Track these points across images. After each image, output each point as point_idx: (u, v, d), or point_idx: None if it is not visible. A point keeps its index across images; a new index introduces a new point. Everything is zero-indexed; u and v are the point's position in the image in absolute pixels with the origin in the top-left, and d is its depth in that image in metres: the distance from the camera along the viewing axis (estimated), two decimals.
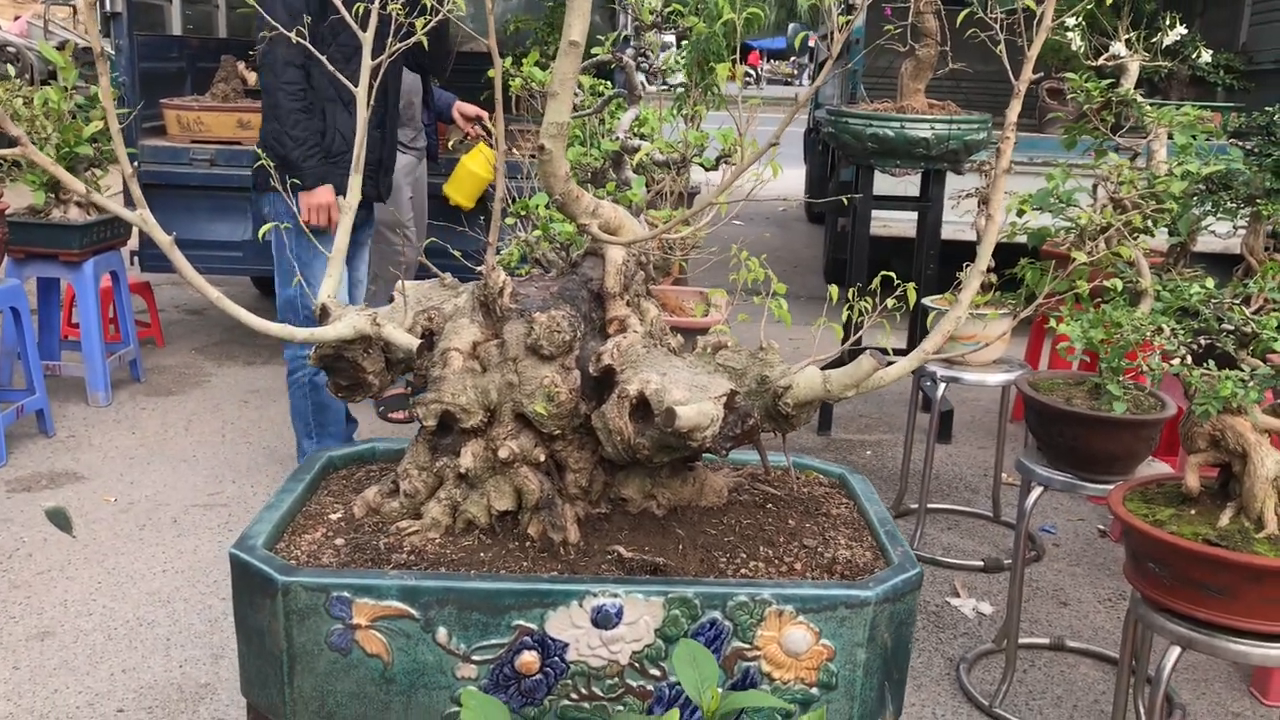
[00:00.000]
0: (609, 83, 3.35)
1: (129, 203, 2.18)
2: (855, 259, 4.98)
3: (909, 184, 5.20)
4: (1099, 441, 2.75)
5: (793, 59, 35.83)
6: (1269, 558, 2.01)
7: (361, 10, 2.08)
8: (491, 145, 5.11)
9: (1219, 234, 3.40)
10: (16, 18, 11.89)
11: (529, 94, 3.00)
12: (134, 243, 5.84)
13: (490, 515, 1.94)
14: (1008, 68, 1.82)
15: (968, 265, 1.89)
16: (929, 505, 4.18)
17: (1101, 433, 2.73)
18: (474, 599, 1.73)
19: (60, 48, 5.16)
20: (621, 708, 1.78)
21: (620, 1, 5.15)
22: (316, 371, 3.88)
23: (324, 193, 3.70)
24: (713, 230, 2.34)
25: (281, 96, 3.67)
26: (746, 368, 1.93)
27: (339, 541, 1.94)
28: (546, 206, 2.40)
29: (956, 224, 5.38)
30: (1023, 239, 3.39)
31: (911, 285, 2.00)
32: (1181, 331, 2.29)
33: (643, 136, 2.67)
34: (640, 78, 2.50)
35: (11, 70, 5.00)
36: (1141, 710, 2.81)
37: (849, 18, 1.79)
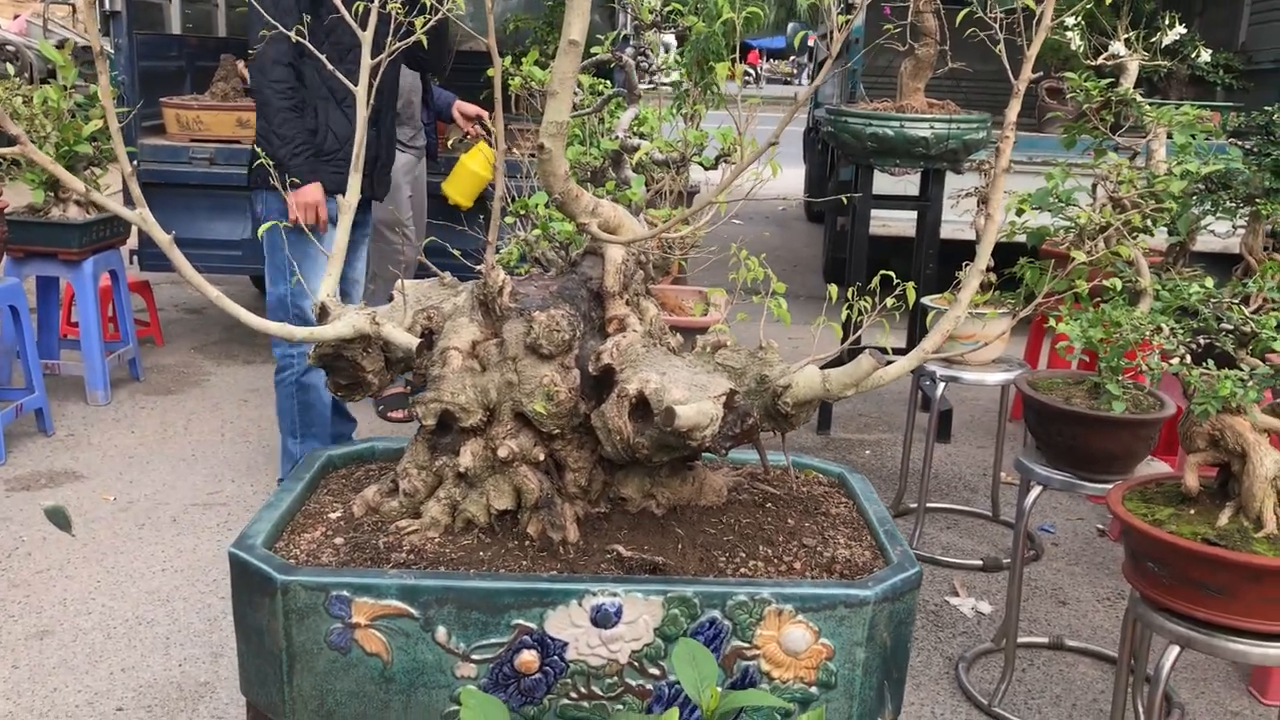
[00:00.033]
0: (608, 82, 3.35)
1: (128, 201, 2.18)
2: (854, 258, 4.98)
3: (908, 183, 5.20)
4: (1098, 441, 2.75)
5: (792, 58, 35.84)
6: (1268, 557, 2.01)
7: (361, 9, 2.07)
8: (491, 144, 5.11)
9: (1218, 233, 3.40)
10: (16, 16, 11.88)
11: (528, 93, 3.01)
12: (133, 241, 5.84)
13: (490, 514, 1.94)
14: (1007, 67, 1.82)
15: (967, 264, 1.89)
16: (928, 504, 4.18)
17: (1100, 432, 2.73)
18: (473, 598, 1.73)
19: (60, 46, 5.17)
20: (621, 707, 1.78)
21: (620, 1, 5.15)
22: (304, 372, 3.88)
23: (312, 191, 3.70)
24: (712, 229, 2.34)
25: (269, 94, 3.67)
26: (746, 367, 1.93)
27: (338, 540, 1.94)
28: (546, 205, 2.40)
29: (956, 223, 5.38)
30: (1022, 238, 3.39)
31: (911, 284, 2.00)
32: (1181, 331, 2.29)
33: (642, 135, 2.67)
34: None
35: (11, 69, 5.00)
36: (1140, 709, 2.81)
37: (848, 17, 1.79)
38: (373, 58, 2.03)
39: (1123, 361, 2.64)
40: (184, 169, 5.78)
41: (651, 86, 2.46)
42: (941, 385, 3.83)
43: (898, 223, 6.44)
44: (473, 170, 5.26)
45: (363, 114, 2.05)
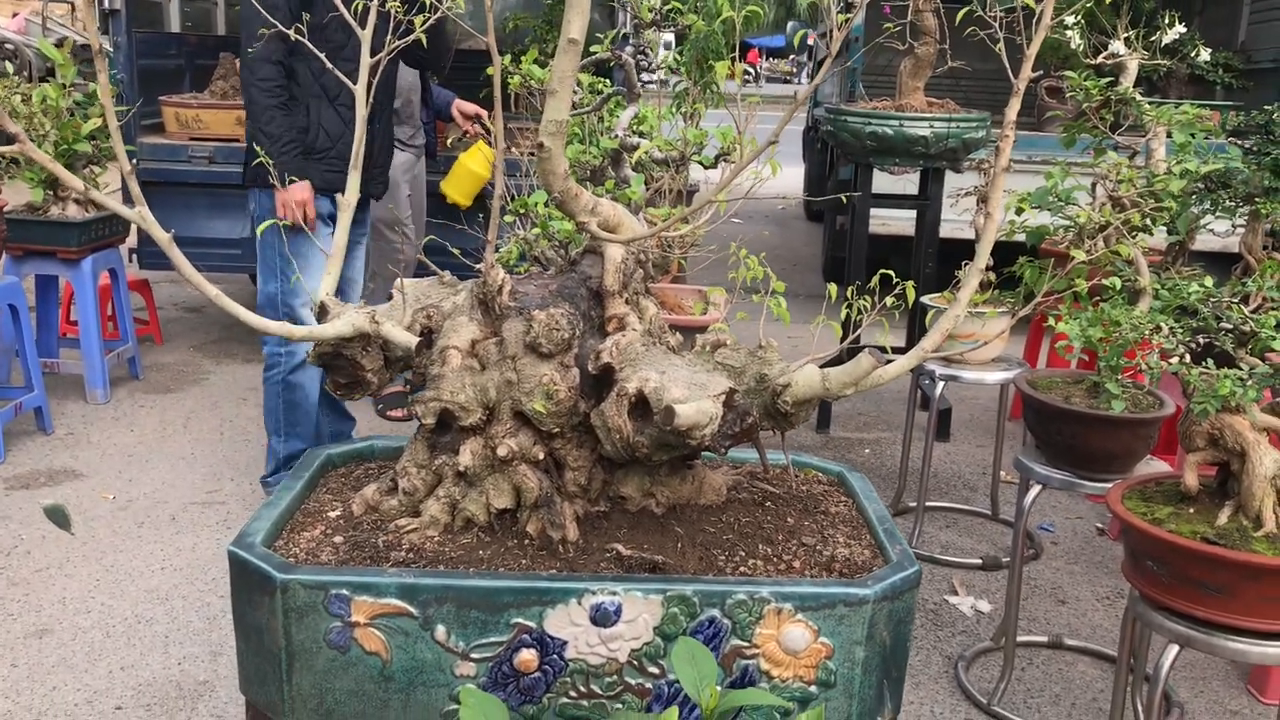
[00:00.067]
0: (608, 80, 3.35)
1: (127, 200, 2.17)
2: (854, 257, 4.98)
3: (908, 182, 5.20)
4: (1097, 440, 2.75)
5: (791, 57, 35.83)
6: (1267, 556, 2.01)
7: (360, 7, 2.07)
8: (490, 143, 5.11)
9: (1218, 232, 3.40)
10: (15, 14, 11.88)
11: (528, 91, 3.00)
12: (132, 240, 5.83)
13: (489, 513, 1.94)
14: (1007, 66, 1.82)
15: (966, 263, 1.89)
16: (927, 503, 4.18)
17: (1100, 431, 2.73)
18: (473, 597, 1.73)
19: (58, 44, 5.16)
20: (620, 705, 1.78)
21: None
22: (291, 370, 3.88)
23: (299, 189, 3.69)
24: (711, 228, 2.34)
25: (256, 93, 3.67)
26: (745, 366, 1.93)
27: (338, 539, 1.94)
28: (545, 204, 2.40)
29: (955, 222, 5.38)
30: (1021, 237, 3.39)
31: (910, 283, 2.00)
32: (1180, 330, 2.29)
33: (641, 134, 2.67)
34: (652, 75, 2.50)
35: (10, 67, 5.00)
36: (1139, 708, 2.82)
37: (848, 15, 1.79)
38: (372, 56, 2.03)
39: (1122, 360, 2.64)
40: (183, 167, 5.78)
41: (651, 83, 2.46)
42: (941, 384, 3.83)
43: (897, 221, 6.44)
44: (471, 169, 5.26)
45: (362, 112, 2.05)
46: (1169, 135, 3.49)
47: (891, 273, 2.08)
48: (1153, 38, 4.00)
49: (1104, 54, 3.91)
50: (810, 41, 13.56)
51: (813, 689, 1.79)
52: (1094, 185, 3.65)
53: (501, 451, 1.90)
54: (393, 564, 1.84)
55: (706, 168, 2.63)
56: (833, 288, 2.11)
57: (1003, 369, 3.83)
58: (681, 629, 1.75)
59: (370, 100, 3.76)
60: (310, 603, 1.74)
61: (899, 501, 4.30)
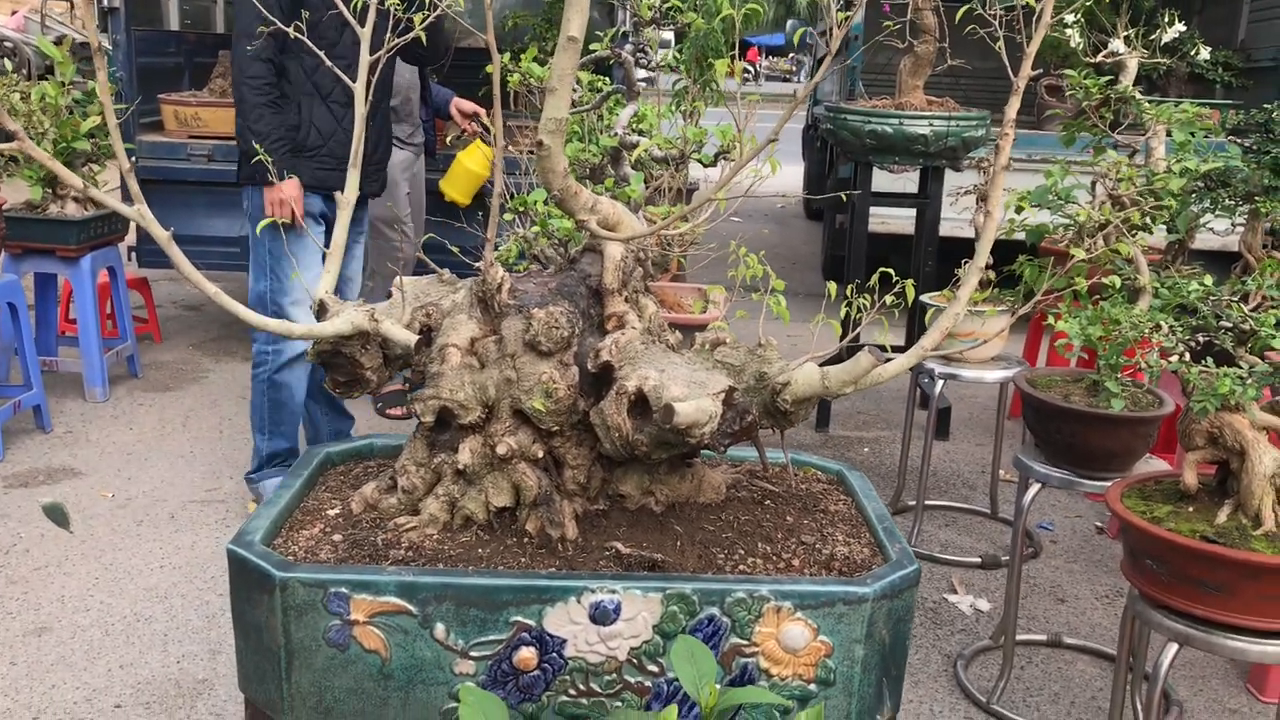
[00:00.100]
0: (607, 79, 3.35)
1: (126, 198, 2.17)
2: (853, 256, 4.98)
3: (907, 180, 5.20)
4: (1097, 438, 2.75)
5: (791, 55, 35.82)
6: (1266, 555, 2.01)
7: (359, 5, 2.07)
8: (488, 142, 5.11)
9: (1217, 231, 3.40)
10: (14, 12, 11.86)
11: (527, 90, 3.00)
12: (131, 238, 5.83)
13: (488, 511, 1.94)
14: (1006, 64, 1.81)
15: (966, 262, 1.89)
16: (927, 502, 4.18)
17: (1099, 430, 2.73)
18: (472, 595, 1.73)
19: (57, 42, 5.16)
20: (619, 704, 1.78)
21: None
22: (277, 369, 3.87)
23: (287, 187, 3.69)
24: (711, 227, 2.34)
25: (245, 90, 3.66)
26: (745, 364, 1.93)
27: (337, 537, 1.94)
28: (545, 202, 2.40)
29: (955, 221, 5.38)
30: (1021, 236, 3.39)
31: (910, 282, 2.00)
32: (1180, 328, 2.29)
33: (641, 132, 2.67)
34: (639, 74, 2.49)
35: (9, 65, 4.99)
36: (1139, 707, 2.82)
37: (847, 14, 1.79)
38: (370, 53, 2.03)
39: (1121, 359, 2.64)
40: (182, 166, 5.77)
41: (643, 80, 2.45)
42: (940, 382, 3.83)
43: (897, 220, 6.44)
44: (469, 168, 5.25)
45: (361, 110, 2.05)
46: (1169, 134, 3.49)
47: (891, 271, 2.08)
48: (1152, 36, 4.00)
49: (1104, 52, 3.91)
50: (810, 41, 13.56)
51: (812, 687, 1.79)
52: (1094, 184, 3.65)
53: (501, 450, 1.90)
54: (392, 562, 1.84)
55: (706, 166, 2.63)
56: (832, 286, 2.11)
57: (1002, 367, 3.83)
58: (681, 627, 1.75)
59: (367, 98, 3.77)
60: (309, 601, 1.74)
61: (898, 500, 4.30)
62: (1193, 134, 3.30)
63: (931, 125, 4.40)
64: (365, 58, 2.03)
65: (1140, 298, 2.88)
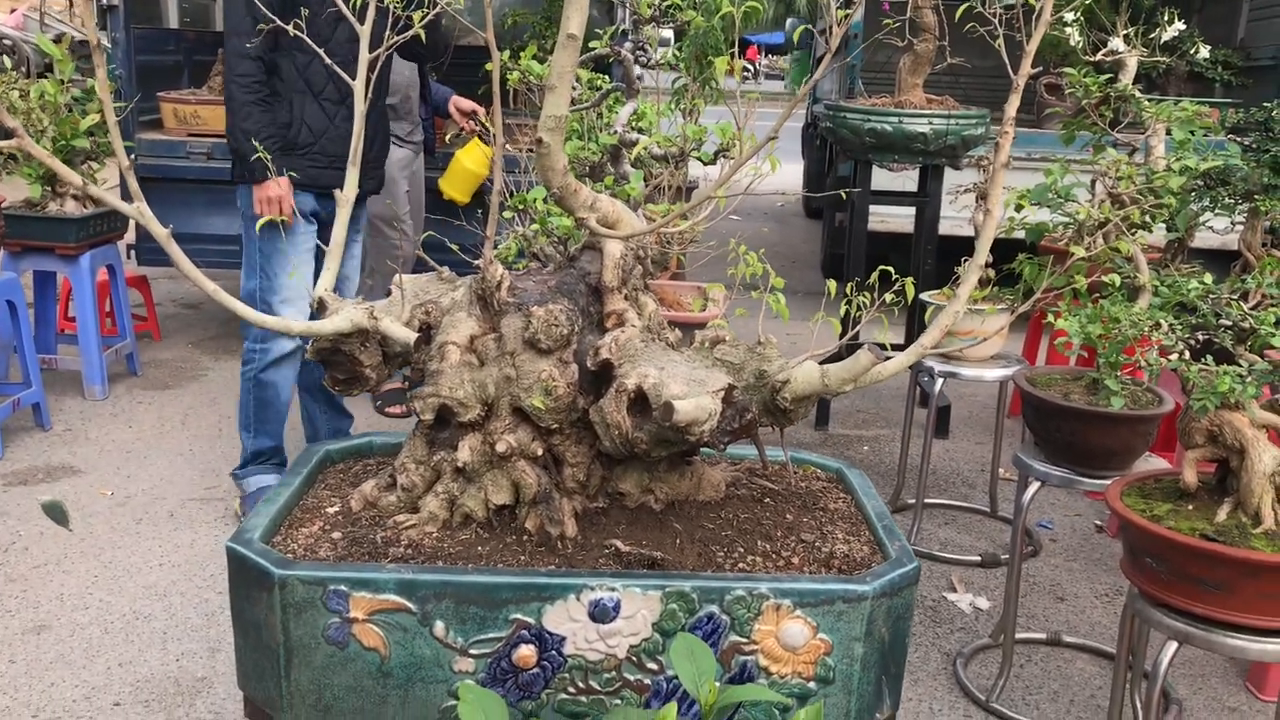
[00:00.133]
0: (606, 77, 3.35)
1: (126, 196, 2.17)
2: (853, 254, 4.98)
3: (907, 179, 5.20)
4: (1096, 437, 2.75)
5: (791, 54, 35.80)
6: (1266, 553, 2.01)
7: (359, 3, 2.07)
8: (487, 140, 5.11)
9: (1216, 230, 3.40)
10: (13, 10, 11.86)
11: (526, 88, 3.00)
12: (130, 236, 5.83)
13: (488, 509, 1.94)
14: (1006, 62, 1.81)
15: (966, 260, 1.89)
16: (926, 500, 4.18)
17: (1099, 428, 2.73)
18: (471, 593, 1.73)
19: (57, 40, 5.15)
20: (619, 702, 1.78)
21: None
22: (263, 368, 3.87)
23: (275, 185, 3.68)
24: (710, 225, 2.34)
25: (234, 89, 3.65)
26: (744, 362, 1.92)
27: (336, 535, 1.94)
28: (544, 200, 2.40)
29: (954, 219, 5.38)
30: (1021, 234, 3.39)
31: (909, 280, 2.00)
32: (1179, 327, 2.29)
33: (640, 130, 2.67)
34: (638, 71, 2.49)
35: (8, 62, 4.99)
36: (1138, 705, 2.82)
37: (847, 11, 1.79)
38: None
39: (1121, 357, 2.64)
40: (181, 164, 5.77)
41: (641, 76, 2.45)
42: (940, 381, 3.83)
43: (896, 219, 6.44)
44: (467, 167, 5.25)
45: (360, 107, 2.05)
46: (1168, 132, 3.49)
47: (891, 269, 2.08)
48: (1152, 35, 4.00)
49: (1103, 51, 3.91)
50: (810, 42, 13.54)
51: (811, 685, 1.79)
52: (1093, 182, 3.65)
53: (500, 447, 1.90)
54: (391, 560, 1.84)
55: (705, 164, 2.63)
56: (832, 284, 2.11)
57: (1001, 366, 3.83)
58: (680, 625, 1.75)
59: (366, 94, 3.76)
60: (308, 598, 1.74)
61: (898, 498, 4.30)
62: (1192, 132, 3.30)
63: (931, 123, 4.40)
64: (365, 55, 2.03)
65: (1140, 296, 2.88)
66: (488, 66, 1.88)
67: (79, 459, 4.50)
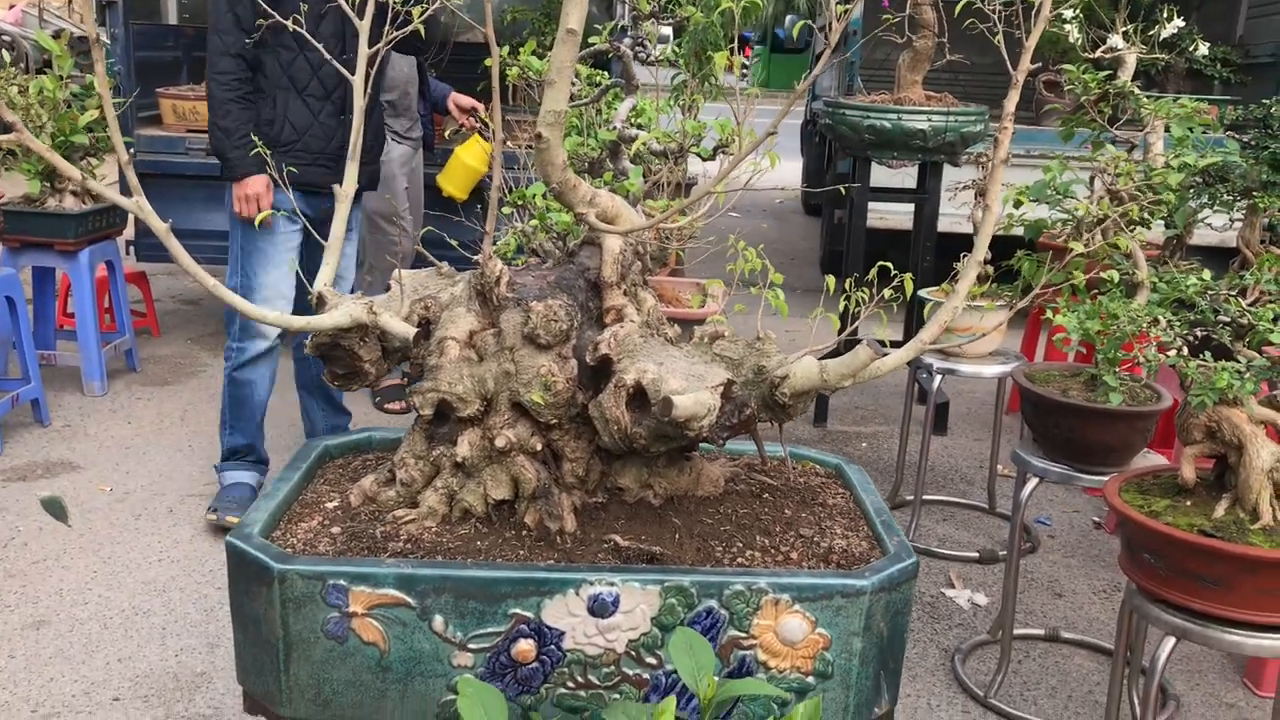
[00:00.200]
0: (605, 73, 3.34)
1: (125, 192, 2.17)
2: (852, 251, 4.98)
3: (906, 176, 5.20)
4: (1095, 433, 2.75)
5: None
6: (1264, 549, 2.02)
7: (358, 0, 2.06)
8: (486, 137, 5.10)
9: (1215, 227, 3.40)
10: (11, 6, 11.84)
11: (525, 84, 3.00)
12: (130, 232, 5.83)
13: (487, 504, 1.94)
14: (1005, 58, 1.81)
15: (965, 256, 1.89)
16: (924, 497, 4.18)
17: (1097, 424, 2.74)
18: (470, 587, 1.73)
19: (56, 36, 5.14)
20: (618, 696, 1.78)
21: None
22: (238, 366, 3.87)
23: (253, 183, 3.67)
24: (709, 221, 2.34)
25: (214, 86, 3.64)
26: (743, 358, 1.93)
27: (335, 530, 1.94)
28: (543, 196, 2.40)
29: (953, 216, 5.38)
30: (1019, 231, 3.39)
31: (908, 275, 2.00)
32: (1178, 323, 2.30)
33: (640, 126, 2.67)
34: (636, 68, 2.49)
35: (7, 57, 4.98)
36: (1136, 701, 2.82)
37: (846, 7, 1.79)
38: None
39: (1119, 353, 2.64)
40: (180, 160, 5.76)
41: (650, 63, 2.45)
42: (938, 377, 3.83)
43: (895, 215, 6.44)
44: (466, 163, 5.25)
45: (360, 102, 2.04)
46: (1167, 129, 3.49)
47: (890, 265, 2.08)
48: (1151, 32, 4.00)
49: (1102, 48, 3.91)
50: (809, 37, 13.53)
51: (810, 680, 1.79)
52: (1092, 179, 3.65)
53: (499, 443, 1.90)
54: (390, 555, 1.84)
55: (705, 160, 2.63)
56: (830, 280, 2.11)
57: (1000, 362, 3.83)
58: (679, 620, 1.75)
59: (342, 91, 3.75)
60: (308, 593, 1.74)
61: (896, 495, 4.30)
62: (1191, 129, 3.30)
63: (930, 120, 4.40)
64: (364, 50, 2.03)
65: (1138, 292, 2.88)
66: (487, 63, 1.88)
67: (78, 455, 4.50)
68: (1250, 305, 2.28)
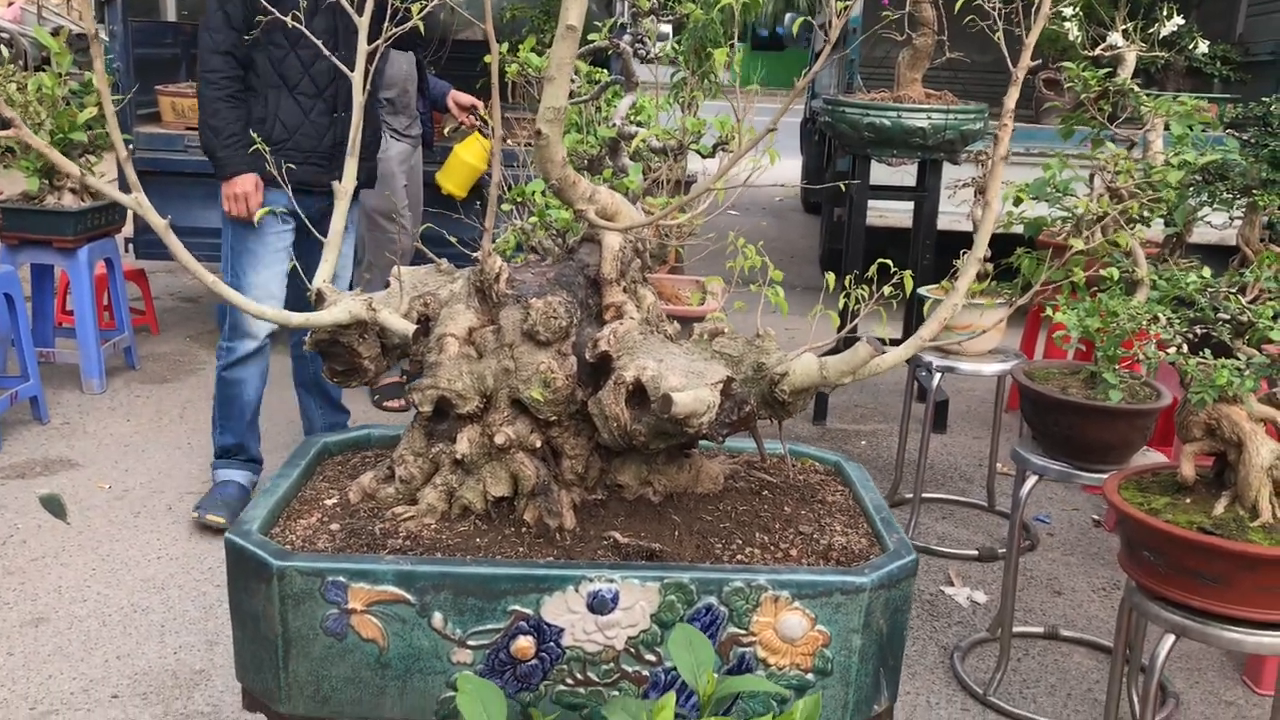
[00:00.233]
0: (605, 70, 3.34)
1: (124, 189, 2.17)
2: (851, 249, 4.98)
3: (905, 174, 5.20)
4: (1094, 431, 2.75)
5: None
6: (1263, 546, 2.02)
7: None
8: (485, 135, 5.10)
9: (1214, 225, 3.40)
10: (10, 3, 11.84)
11: (525, 81, 2.99)
12: (129, 230, 5.82)
13: (486, 501, 1.94)
14: (1006, 55, 1.81)
15: (965, 252, 1.89)
16: (924, 495, 4.18)
17: (1097, 422, 2.74)
18: (470, 584, 1.73)
19: (54, 33, 5.14)
20: (617, 693, 1.78)
21: None
22: (227, 366, 3.87)
23: (242, 182, 3.66)
24: (709, 219, 2.34)
25: (203, 85, 3.64)
26: (743, 354, 1.93)
27: (334, 527, 1.94)
28: (543, 193, 2.40)
29: (953, 214, 5.38)
30: (1019, 229, 3.39)
31: (908, 272, 2.00)
32: (1177, 320, 2.30)
33: (639, 124, 2.66)
34: (636, 65, 2.49)
35: (5, 53, 4.98)
36: (1135, 698, 2.82)
37: (846, 4, 1.79)
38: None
39: (1119, 351, 2.64)
40: (179, 157, 5.75)
41: (650, 61, 2.45)
42: (938, 375, 3.83)
43: (895, 213, 6.43)
44: (466, 161, 5.24)
45: (359, 98, 2.04)
46: (1167, 127, 3.49)
47: (889, 263, 2.08)
48: (1151, 30, 3.99)
49: (1102, 46, 3.91)
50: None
51: (809, 677, 1.79)
52: (1092, 177, 3.65)
53: (499, 439, 1.90)
54: (389, 551, 1.84)
55: (705, 157, 2.62)
56: (830, 277, 2.10)
57: (999, 360, 3.83)
58: (678, 616, 1.75)
59: (335, 89, 3.74)
60: (307, 589, 1.74)
61: (895, 493, 4.30)
62: (1191, 127, 3.30)
63: (930, 118, 4.39)
64: (364, 46, 2.02)
65: (1138, 290, 2.88)
66: (486, 59, 1.88)
67: (77, 452, 4.50)
68: (1250, 303, 2.28)
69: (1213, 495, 2.17)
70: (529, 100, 3.03)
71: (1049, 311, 2.72)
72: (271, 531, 1.92)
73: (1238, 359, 2.14)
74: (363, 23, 2.04)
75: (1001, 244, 2.78)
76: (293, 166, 3.67)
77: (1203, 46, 4.94)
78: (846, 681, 1.80)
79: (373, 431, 2.36)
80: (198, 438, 4.71)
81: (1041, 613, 3.53)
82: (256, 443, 4.04)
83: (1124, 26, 3.98)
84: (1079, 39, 3.95)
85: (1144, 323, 2.38)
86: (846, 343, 1.96)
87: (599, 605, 1.74)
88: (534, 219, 2.33)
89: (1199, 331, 2.29)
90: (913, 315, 4.90)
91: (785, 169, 2.53)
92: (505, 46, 2.88)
